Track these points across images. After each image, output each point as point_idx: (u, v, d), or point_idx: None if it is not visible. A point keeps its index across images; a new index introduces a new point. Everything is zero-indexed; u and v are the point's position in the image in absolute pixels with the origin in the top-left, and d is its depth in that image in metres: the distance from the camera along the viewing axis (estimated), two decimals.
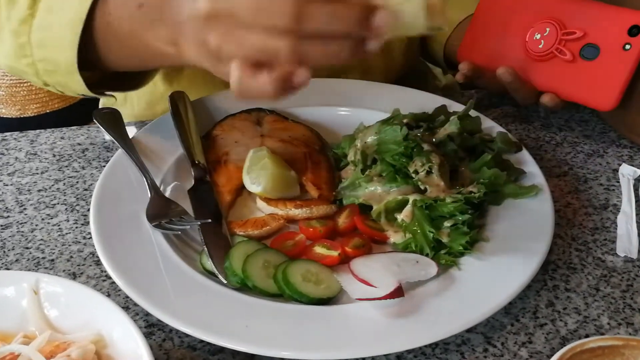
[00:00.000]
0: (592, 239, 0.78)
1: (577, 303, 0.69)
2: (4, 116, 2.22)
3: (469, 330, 0.66)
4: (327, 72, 1.13)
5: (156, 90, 1.07)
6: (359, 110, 0.93)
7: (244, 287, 0.67)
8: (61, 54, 0.75)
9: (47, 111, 2.05)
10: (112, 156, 0.84)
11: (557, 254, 0.75)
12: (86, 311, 0.61)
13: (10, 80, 2.16)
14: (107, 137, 0.91)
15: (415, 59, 1.24)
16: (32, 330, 0.61)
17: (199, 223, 0.73)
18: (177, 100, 0.91)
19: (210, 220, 0.73)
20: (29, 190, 0.85)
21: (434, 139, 0.80)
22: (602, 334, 0.66)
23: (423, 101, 0.93)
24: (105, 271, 0.71)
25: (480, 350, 0.64)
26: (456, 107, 0.91)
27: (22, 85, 2.16)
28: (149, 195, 0.77)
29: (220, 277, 0.68)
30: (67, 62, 0.75)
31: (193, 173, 0.81)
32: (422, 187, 0.74)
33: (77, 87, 0.79)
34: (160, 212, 0.74)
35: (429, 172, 0.73)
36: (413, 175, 0.74)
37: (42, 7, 0.76)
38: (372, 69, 1.15)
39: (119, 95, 1.01)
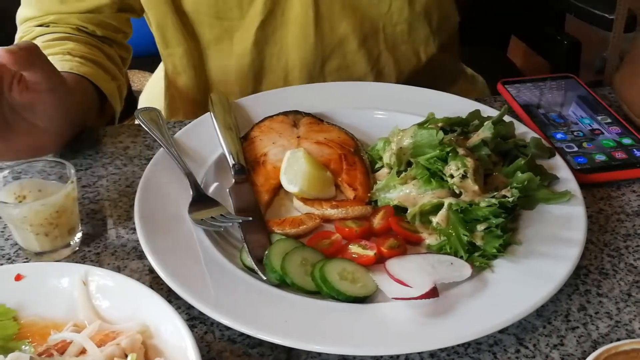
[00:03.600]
0: (624, 245, 0.78)
1: (609, 308, 0.70)
2: None
3: (501, 331, 0.67)
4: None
5: None
6: (393, 113, 0.95)
7: (283, 283, 0.69)
8: None
9: None
10: (152, 154, 0.87)
11: (589, 259, 0.76)
12: (133, 303, 0.63)
13: None
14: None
15: (439, 59, 1.22)
16: (81, 320, 0.63)
17: (239, 220, 0.75)
18: (216, 102, 0.94)
19: (251, 218, 0.76)
20: None
21: (468, 143, 0.82)
22: (634, 338, 0.67)
23: (456, 105, 0.95)
24: (147, 266, 0.74)
25: (512, 351, 0.66)
26: (490, 112, 0.92)
27: None
28: (191, 193, 0.79)
29: (259, 273, 0.70)
30: None
31: (232, 173, 0.84)
32: (457, 191, 0.75)
33: None
34: (202, 209, 0.77)
35: (464, 176, 0.74)
36: (448, 179, 0.75)
37: None
38: (384, 69, 1.16)
39: None
